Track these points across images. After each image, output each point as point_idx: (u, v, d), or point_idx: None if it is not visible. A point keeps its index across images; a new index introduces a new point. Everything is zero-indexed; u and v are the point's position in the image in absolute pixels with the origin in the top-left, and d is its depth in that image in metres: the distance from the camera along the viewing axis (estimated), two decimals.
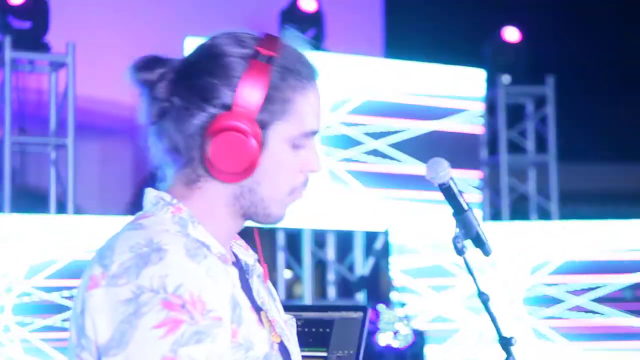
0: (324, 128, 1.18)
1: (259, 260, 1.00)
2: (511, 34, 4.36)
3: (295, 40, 0.91)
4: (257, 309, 0.91)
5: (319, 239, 4.20)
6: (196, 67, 0.87)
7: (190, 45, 4.09)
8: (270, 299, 0.99)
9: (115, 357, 0.75)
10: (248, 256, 0.98)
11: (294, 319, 1.06)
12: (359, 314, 1.71)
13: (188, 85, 0.86)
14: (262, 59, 0.85)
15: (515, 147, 4.64)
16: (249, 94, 0.83)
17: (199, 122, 0.85)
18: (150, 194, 0.90)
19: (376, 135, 4.04)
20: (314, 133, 0.91)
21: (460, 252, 1.18)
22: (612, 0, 5.67)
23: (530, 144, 4.64)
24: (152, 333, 0.74)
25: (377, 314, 3.59)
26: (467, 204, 1.20)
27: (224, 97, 0.84)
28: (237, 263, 0.93)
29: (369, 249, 4.17)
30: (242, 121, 0.82)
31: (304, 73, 0.88)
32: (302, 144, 0.89)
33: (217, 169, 0.84)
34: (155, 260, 0.76)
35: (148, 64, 0.89)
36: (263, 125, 0.84)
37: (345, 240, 4.20)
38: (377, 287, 4.03)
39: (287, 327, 1.00)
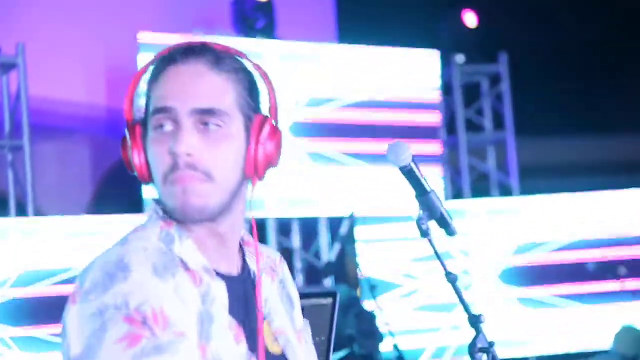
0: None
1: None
2: (469, 18, 4.19)
3: None
4: (249, 322, 0.90)
5: (284, 227, 4.02)
6: None
7: (145, 39, 3.94)
8: (286, 306, 0.99)
9: None
10: (268, 266, 0.97)
11: (308, 322, 1.06)
12: (329, 300, 1.69)
13: None
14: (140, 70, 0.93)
15: (473, 126, 4.50)
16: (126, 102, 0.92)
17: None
18: (149, 206, 0.92)
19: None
20: (160, 110, 0.88)
21: (425, 233, 1.14)
22: None
23: (487, 122, 4.51)
24: (116, 347, 0.77)
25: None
26: (430, 186, 1.16)
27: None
28: (244, 272, 0.93)
29: (334, 235, 4.00)
30: (128, 137, 0.90)
31: (160, 62, 0.89)
32: (159, 126, 0.88)
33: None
34: (121, 278, 0.79)
35: None
36: (143, 124, 0.91)
37: (309, 227, 4.02)
38: (344, 272, 3.87)
39: (299, 336, 0.99)
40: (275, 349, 0.95)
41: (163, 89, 0.86)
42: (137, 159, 0.87)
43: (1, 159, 3.86)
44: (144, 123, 0.87)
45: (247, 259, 0.95)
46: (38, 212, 3.81)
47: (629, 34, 5.47)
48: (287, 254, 4.29)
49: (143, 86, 0.89)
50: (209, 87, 0.85)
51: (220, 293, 0.86)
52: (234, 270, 0.91)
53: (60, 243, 3.38)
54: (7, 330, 3.11)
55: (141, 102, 0.89)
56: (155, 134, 0.85)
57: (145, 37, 3.79)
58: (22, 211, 3.71)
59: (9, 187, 3.74)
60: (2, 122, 3.82)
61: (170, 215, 0.87)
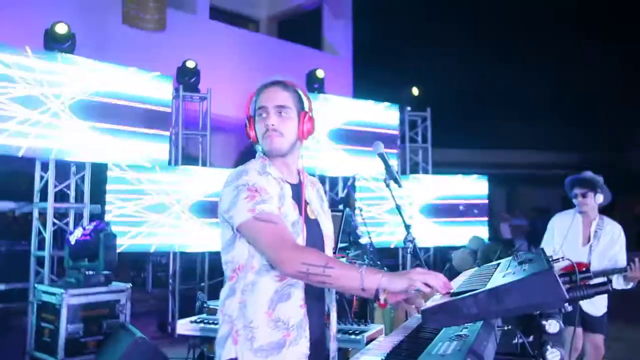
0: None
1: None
2: (414, 91, 8.71)
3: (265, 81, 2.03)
4: (304, 202, 1.97)
5: (321, 180, 8.29)
6: None
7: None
8: (319, 200, 2.10)
9: (232, 211, 1.82)
10: (308, 179, 2.08)
11: (330, 211, 2.14)
12: (340, 214, 3.69)
13: None
14: (251, 94, 2.02)
15: (413, 140, 9.04)
16: (246, 108, 2.02)
17: None
18: (257, 154, 2.03)
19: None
20: (261, 107, 1.94)
21: (387, 185, 2.50)
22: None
23: (419, 139, 9.04)
24: (244, 200, 1.81)
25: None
26: (390, 164, 2.50)
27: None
28: (299, 182, 2.02)
29: (345, 185, 8.32)
30: (247, 123, 2.01)
31: (260, 89, 1.99)
32: (260, 114, 1.95)
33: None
34: (244, 175, 1.86)
35: None
36: (253, 117, 1.99)
37: (334, 180, 8.32)
38: (348, 202, 8.13)
39: (325, 214, 2.09)
40: (312, 216, 1.98)
41: (261, 99, 1.93)
42: (251, 132, 1.96)
43: (196, 139, 7.96)
44: (253, 115, 1.96)
45: (301, 177, 2.02)
46: (212, 165, 7.93)
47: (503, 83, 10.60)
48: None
49: (253, 100, 1.96)
50: (281, 96, 1.94)
51: (287, 189, 1.91)
52: (295, 180, 1.99)
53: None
54: None
55: (252, 106, 1.96)
56: (259, 118, 1.94)
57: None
58: (204, 164, 7.75)
59: (199, 153, 7.86)
60: (198, 123, 7.94)
61: (266, 154, 1.93)
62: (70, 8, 7.62)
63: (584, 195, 3.93)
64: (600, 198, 3.95)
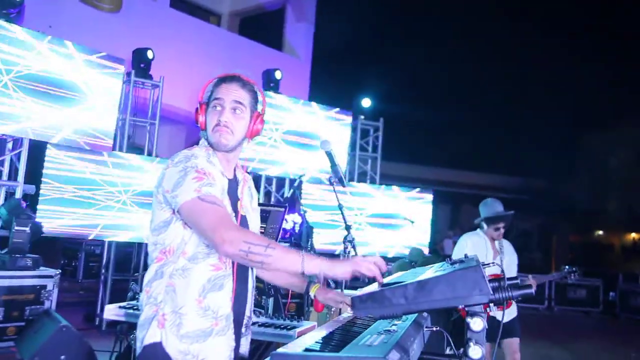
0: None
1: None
2: (365, 102, 8.85)
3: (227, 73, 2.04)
4: (236, 198, 2.01)
5: (268, 180, 8.28)
6: None
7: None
8: (250, 197, 2.14)
9: (177, 190, 1.83)
10: (241, 175, 2.13)
11: (259, 208, 2.24)
12: (282, 210, 3.73)
13: None
14: (209, 82, 2.03)
15: (363, 149, 9.14)
16: (201, 93, 2.03)
17: None
18: (201, 140, 2.05)
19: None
20: (217, 99, 1.95)
21: (331, 184, 2.81)
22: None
23: (370, 148, 9.16)
24: (192, 180, 1.83)
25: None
26: (337, 163, 2.65)
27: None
28: (234, 177, 2.05)
29: (291, 184, 8.35)
30: (198, 104, 2.03)
31: (218, 80, 2.00)
32: (214, 106, 1.96)
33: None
34: (193, 159, 1.89)
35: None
36: (206, 104, 2.00)
37: (281, 180, 8.35)
38: (293, 202, 8.17)
39: (254, 211, 2.13)
40: (241, 212, 2.00)
41: (219, 91, 1.95)
42: (201, 118, 1.97)
43: (144, 127, 7.84)
44: (206, 104, 1.96)
45: (237, 173, 2.06)
46: (157, 156, 7.81)
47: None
48: (268, 194, 8.59)
49: (209, 88, 1.97)
50: (239, 93, 1.96)
51: (224, 183, 1.94)
52: (231, 175, 2.02)
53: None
54: None
55: (207, 94, 1.97)
56: (212, 110, 1.95)
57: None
58: (149, 154, 7.67)
59: (146, 142, 7.74)
60: (147, 112, 7.81)
61: (211, 145, 1.95)
62: None
63: (504, 229, 4.28)
64: None
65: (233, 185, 2.00)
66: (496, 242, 4.34)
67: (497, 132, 15.39)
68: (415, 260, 8.06)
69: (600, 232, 19.57)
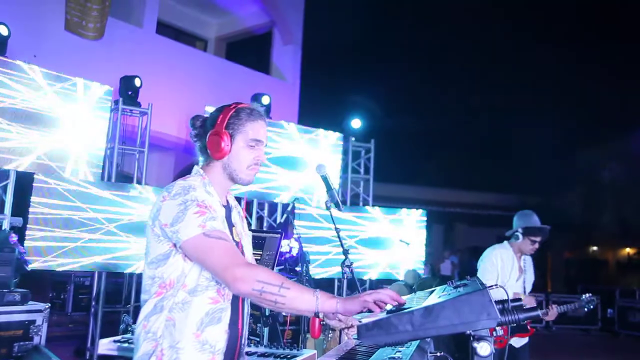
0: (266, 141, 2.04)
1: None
2: (355, 123, 8.90)
3: (254, 105, 2.04)
4: (231, 225, 2.01)
5: (261, 205, 8.27)
6: (208, 117, 2.09)
7: (208, 109, 8.15)
8: (241, 223, 2.13)
9: (178, 225, 1.79)
10: (233, 201, 2.15)
11: (251, 234, 2.23)
12: (278, 235, 3.72)
13: (205, 124, 2.07)
14: (229, 108, 2.01)
15: (355, 171, 9.16)
16: (220, 120, 1.98)
17: (207, 136, 2.00)
18: (195, 168, 2.05)
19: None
20: (258, 141, 2.00)
21: (328, 208, 2.61)
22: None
23: (362, 170, 9.19)
24: (193, 215, 1.80)
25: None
26: (333, 186, 2.64)
27: (213, 125, 2.00)
28: (227, 204, 2.06)
29: (284, 209, 8.33)
30: (217, 131, 1.97)
31: (253, 114, 2.01)
32: (252, 146, 1.99)
33: (211, 153, 1.98)
34: (192, 190, 1.86)
35: (194, 118, 2.09)
36: (231, 135, 1.97)
37: (273, 205, 8.33)
38: (286, 228, 8.13)
39: (247, 236, 2.13)
40: (236, 238, 1.99)
41: (257, 130, 1.99)
42: (227, 147, 1.92)
43: (132, 156, 7.79)
44: (233, 134, 1.95)
45: (228, 198, 2.07)
46: (147, 185, 7.77)
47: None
48: (260, 219, 8.55)
49: (243, 119, 1.97)
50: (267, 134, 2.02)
51: (223, 213, 1.93)
52: (224, 202, 2.02)
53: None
54: None
55: (237, 125, 1.95)
56: (250, 149, 1.97)
57: (208, 108, 7.94)
58: (139, 182, 7.60)
59: (135, 170, 7.68)
60: (136, 139, 7.77)
61: (235, 179, 1.98)
62: (7, 7, 7.37)
63: (539, 244, 4.17)
64: None
65: (227, 213, 2.01)
66: (521, 258, 4.23)
67: (489, 149, 15.53)
68: (412, 283, 7.99)
69: (595, 248, 19.65)
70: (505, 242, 4.25)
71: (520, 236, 4.13)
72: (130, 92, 7.34)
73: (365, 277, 8.64)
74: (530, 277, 4.28)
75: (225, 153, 1.94)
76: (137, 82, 7.33)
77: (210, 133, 1.95)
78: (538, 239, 4.13)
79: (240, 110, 1.98)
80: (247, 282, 1.66)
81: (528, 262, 4.28)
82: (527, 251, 4.17)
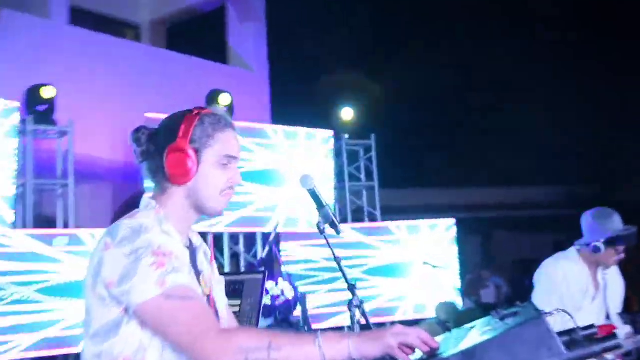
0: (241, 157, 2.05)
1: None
2: (347, 113, 8.89)
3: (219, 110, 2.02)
4: (197, 272, 1.99)
5: (234, 238, 8.18)
6: (159, 128, 2.01)
7: (150, 117, 8.04)
8: (209, 267, 2.12)
9: (128, 284, 1.74)
10: (197, 239, 2.13)
11: (223, 279, 2.19)
12: (260, 276, 3.28)
13: (156, 138, 1.98)
14: (191, 115, 1.95)
15: (353, 177, 9.11)
16: (183, 132, 1.92)
17: (162, 155, 1.93)
18: (144, 199, 2.01)
19: None
20: (232, 157, 1.98)
21: (322, 232, 2.40)
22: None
23: (363, 175, 9.18)
24: (149, 268, 1.74)
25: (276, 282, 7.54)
26: (326, 202, 2.41)
27: (172, 138, 1.93)
28: (190, 245, 2.05)
29: (266, 240, 8.24)
30: (179, 146, 1.91)
31: (221, 122, 1.98)
32: (225, 164, 1.97)
33: (172, 175, 1.92)
34: (145, 233, 1.80)
35: (138, 131, 1.99)
36: (197, 150, 1.93)
37: (251, 237, 8.24)
38: (271, 265, 8.03)
39: (218, 284, 2.12)
40: (206, 290, 1.98)
41: (231, 143, 1.97)
42: (194, 168, 1.90)
43: (53, 192, 7.69)
44: (198, 149, 1.92)
45: (190, 235, 2.07)
46: (78, 227, 7.66)
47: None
48: (235, 256, 8.47)
49: (207, 129, 1.93)
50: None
51: (187, 258, 1.90)
52: (186, 241, 2.02)
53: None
54: None
55: (202, 137, 1.92)
56: (222, 168, 1.95)
57: (150, 116, 7.82)
58: (66, 226, 7.45)
59: (58, 211, 7.55)
60: (55, 169, 7.67)
61: (202, 209, 1.96)
62: None
63: (624, 253, 4.07)
64: None
65: (192, 256, 2.00)
66: (599, 270, 4.13)
67: (520, 134, 15.44)
68: (447, 319, 7.94)
69: None
70: (572, 250, 4.16)
71: (602, 247, 4.00)
72: (41, 107, 7.27)
73: (381, 318, 8.58)
74: (616, 293, 4.17)
75: (190, 176, 1.91)
76: (50, 91, 7.27)
77: (169, 149, 1.91)
78: (621, 247, 4.03)
79: (205, 118, 1.96)
80: (225, 355, 1.66)
81: (611, 273, 4.17)
82: (611, 263, 4.07)
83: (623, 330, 3.93)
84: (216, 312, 2.01)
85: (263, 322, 6.32)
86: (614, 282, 4.18)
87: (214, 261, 2.20)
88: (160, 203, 1.96)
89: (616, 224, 4.03)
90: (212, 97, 8.31)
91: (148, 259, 1.75)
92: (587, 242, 4.06)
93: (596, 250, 4.00)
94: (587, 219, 4.12)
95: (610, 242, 3.99)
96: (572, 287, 4.03)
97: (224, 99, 8.40)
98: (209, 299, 2.00)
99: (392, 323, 7.57)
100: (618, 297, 4.18)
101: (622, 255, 4.05)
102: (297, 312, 6.83)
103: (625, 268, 4.22)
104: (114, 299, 1.77)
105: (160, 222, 1.89)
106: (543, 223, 14.72)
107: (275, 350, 1.66)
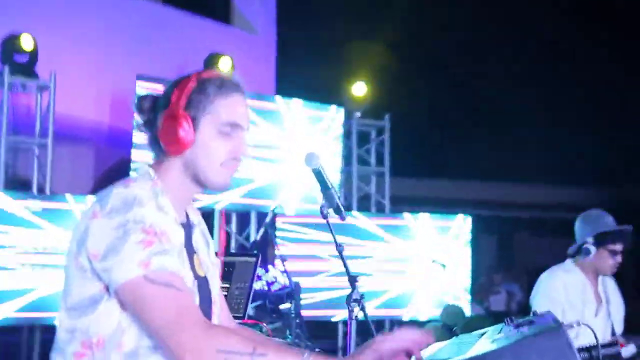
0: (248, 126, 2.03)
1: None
2: (359, 89, 8.87)
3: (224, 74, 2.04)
4: (192, 251, 2.01)
5: (227, 217, 8.21)
6: (161, 95, 2.03)
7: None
8: (206, 247, 2.14)
9: (111, 260, 1.76)
10: (195, 216, 2.15)
11: (219, 261, 2.55)
12: (253, 259, 3.71)
13: (157, 105, 2.01)
14: (188, 79, 1.96)
15: (362, 161, 9.11)
16: (176, 97, 1.92)
17: (159, 122, 1.95)
18: (142, 167, 2.03)
19: None
20: (234, 125, 1.98)
21: (325, 216, 2.35)
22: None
23: (372, 159, 9.17)
24: (136, 246, 1.75)
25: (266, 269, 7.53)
26: (331, 184, 2.36)
27: (167, 105, 1.95)
28: (187, 221, 2.07)
29: (260, 222, 8.23)
30: (172, 112, 1.91)
31: (225, 86, 1.97)
32: (227, 132, 1.97)
33: (165, 145, 1.93)
34: (138, 205, 1.81)
35: (142, 99, 2.04)
36: (194, 117, 1.93)
37: (244, 217, 8.25)
38: (265, 250, 8.02)
39: (213, 266, 2.14)
40: (200, 272, 2.01)
41: (235, 109, 1.98)
42: (190, 136, 1.89)
43: (30, 151, 7.67)
44: (195, 118, 1.92)
45: (188, 211, 2.08)
46: (53, 193, 7.63)
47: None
48: (227, 236, 8.49)
49: (209, 94, 1.93)
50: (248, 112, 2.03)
51: (181, 237, 1.93)
52: (183, 217, 2.03)
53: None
54: None
55: (202, 102, 1.93)
56: (223, 136, 1.95)
57: (141, 83, 7.61)
58: (41, 192, 7.34)
59: (34, 173, 7.48)
60: (34, 126, 7.66)
61: (204, 183, 1.97)
62: None
63: (622, 254, 4.11)
64: None
65: (187, 234, 2.02)
66: (599, 281, 4.20)
67: (557, 127, 15.30)
68: (453, 323, 7.98)
69: None
70: (568, 262, 4.25)
71: (592, 248, 4.07)
72: (20, 58, 7.23)
73: (382, 312, 8.61)
74: (617, 308, 4.25)
75: (185, 145, 1.92)
76: (29, 42, 7.21)
77: (162, 116, 1.94)
78: (619, 247, 4.08)
79: (206, 82, 1.96)
80: (202, 354, 1.67)
81: (610, 287, 4.26)
82: (607, 269, 4.13)
83: (628, 350, 3.94)
84: (210, 297, 2.03)
85: (251, 308, 6.23)
86: (615, 301, 4.25)
87: (212, 242, 2.22)
88: (159, 174, 1.98)
89: (605, 223, 4.11)
90: (211, 60, 8.28)
91: (137, 236, 1.76)
92: (578, 245, 4.16)
93: (587, 252, 4.08)
94: (577, 222, 4.24)
95: (600, 241, 4.07)
96: (574, 298, 4.10)
97: (224, 63, 8.38)
98: (205, 281, 2.02)
99: (392, 323, 7.47)
100: (619, 316, 4.24)
101: (619, 259, 4.09)
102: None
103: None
104: (95, 274, 1.79)
105: (156, 195, 1.90)
106: (570, 227, 14.54)
107: (259, 357, 1.67)
